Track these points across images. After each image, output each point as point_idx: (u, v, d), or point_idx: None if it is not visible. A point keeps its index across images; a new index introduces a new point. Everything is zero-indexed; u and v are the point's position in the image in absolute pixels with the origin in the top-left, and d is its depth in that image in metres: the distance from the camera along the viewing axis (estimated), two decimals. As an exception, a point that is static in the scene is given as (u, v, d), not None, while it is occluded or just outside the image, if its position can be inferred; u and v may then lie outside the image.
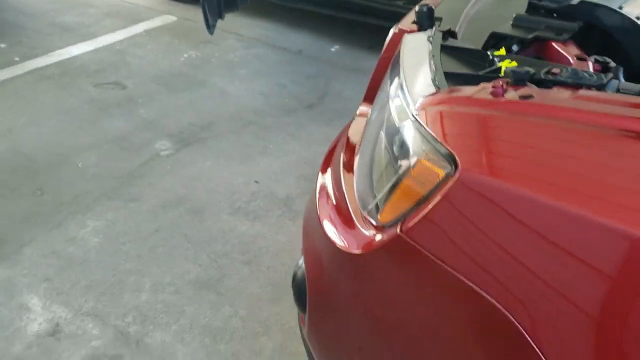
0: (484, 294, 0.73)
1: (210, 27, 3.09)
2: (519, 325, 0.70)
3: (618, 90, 1.17)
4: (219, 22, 3.27)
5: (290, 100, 3.39)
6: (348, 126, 1.38)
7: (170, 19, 4.38)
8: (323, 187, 1.17)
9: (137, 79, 3.50)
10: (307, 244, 1.17)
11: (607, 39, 1.17)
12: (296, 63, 3.85)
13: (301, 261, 1.19)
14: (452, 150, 0.76)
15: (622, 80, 1.21)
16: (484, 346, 0.77)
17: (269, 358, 1.87)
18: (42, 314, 1.97)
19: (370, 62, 4.01)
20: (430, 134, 0.81)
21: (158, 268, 2.17)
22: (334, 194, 1.11)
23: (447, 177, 0.77)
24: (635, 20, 1.08)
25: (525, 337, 0.69)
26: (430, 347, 0.86)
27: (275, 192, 2.60)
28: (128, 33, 4.10)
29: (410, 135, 0.87)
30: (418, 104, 0.87)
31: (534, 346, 0.67)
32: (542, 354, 0.67)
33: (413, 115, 0.86)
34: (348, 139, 1.27)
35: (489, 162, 0.75)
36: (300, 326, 1.32)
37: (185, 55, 3.83)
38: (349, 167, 1.15)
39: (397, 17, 3.61)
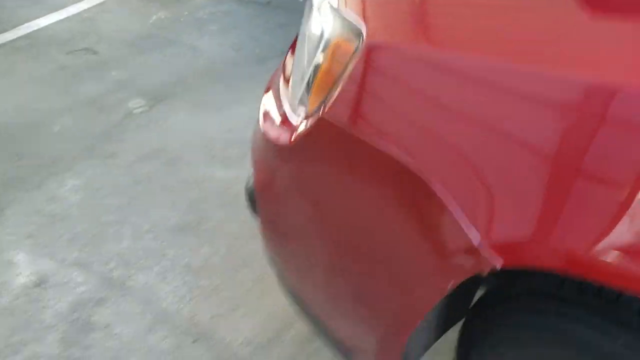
0: (402, 162, 0.76)
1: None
2: (433, 188, 0.73)
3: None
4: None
5: (262, 50, 3.41)
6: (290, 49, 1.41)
7: (138, -18, 4.35)
8: (264, 103, 1.21)
9: (107, 43, 3.50)
10: (254, 154, 1.22)
11: None
12: (266, 15, 3.85)
13: (250, 172, 1.24)
14: (358, 24, 0.80)
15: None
16: (406, 211, 0.81)
17: (250, 288, 1.93)
18: (27, 267, 2.03)
19: (339, 7, 3.96)
20: (342, 15, 0.84)
21: (138, 217, 2.22)
22: (274, 102, 1.15)
23: (356, 50, 0.80)
24: None
25: (436, 196, 0.73)
26: (363, 224, 0.90)
27: (248, 139, 2.63)
28: (96, 0, 4.08)
29: (327, 21, 0.90)
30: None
31: (441, 199, 0.71)
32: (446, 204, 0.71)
33: (329, 3, 0.90)
34: (287, 57, 1.30)
35: (392, 28, 0.78)
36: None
37: (154, 17, 3.82)
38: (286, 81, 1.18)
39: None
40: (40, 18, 3.85)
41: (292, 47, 1.39)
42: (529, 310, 0.77)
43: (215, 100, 2.93)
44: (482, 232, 0.69)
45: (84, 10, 3.94)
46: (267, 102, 1.20)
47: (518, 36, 0.67)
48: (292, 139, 0.95)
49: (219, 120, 2.77)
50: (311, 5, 1.08)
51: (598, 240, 0.60)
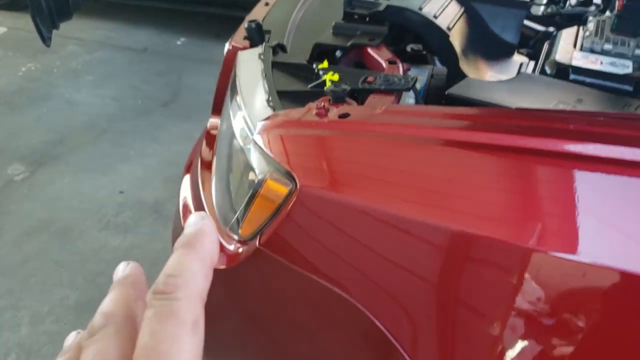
0: (336, 292, 0.84)
1: (46, 40, 2.94)
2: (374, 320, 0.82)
3: (432, 77, 1.34)
4: (55, 31, 3.13)
5: (144, 100, 3.35)
6: (202, 138, 1.45)
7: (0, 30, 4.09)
8: (185, 208, 1.24)
9: (-28, 101, 3.27)
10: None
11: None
12: (144, 61, 3.79)
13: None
14: (290, 170, 0.87)
15: (438, 64, 1.39)
16: (332, 331, 0.90)
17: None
18: None
19: (219, 51, 4.02)
20: (271, 157, 0.91)
21: (34, 299, 2.11)
22: (195, 210, 1.19)
23: (291, 193, 0.87)
24: (432, 19, 1.25)
25: (365, 316, 0.82)
26: (298, 348, 0.97)
27: (142, 200, 2.60)
28: (-48, 51, 3.79)
29: (254, 157, 0.96)
30: (257, 128, 0.97)
31: (369, 314, 0.81)
32: (381, 325, 0.81)
33: (254, 141, 0.96)
34: (202, 153, 1.34)
35: (322, 177, 0.86)
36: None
37: (24, 69, 3.62)
38: (207, 183, 1.22)
39: (239, 5, 3.68)
40: None
41: (208, 139, 1.42)
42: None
43: (101, 160, 2.84)
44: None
45: (-60, 64, 3.65)
46: (188, 203, 1.23)
47: (419, 189, 0.80)
48: (227, 263, 1.00)
49: (108, 182, 2.70)
50: (229, 115, 1.14)
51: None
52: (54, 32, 3.12)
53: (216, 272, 1.00)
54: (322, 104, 0.94)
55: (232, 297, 1.03)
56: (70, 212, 2.52)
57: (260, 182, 0.93)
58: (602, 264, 0.65)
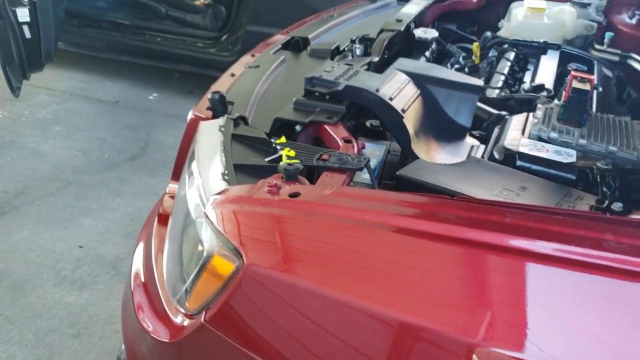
0: None
1: (14, 90, 2.96)
2: None
3: (388, 152, 1.39)
4: (25, 82, 3.14)
5: (111, 154, 3.35)
6: (159, 203, 1.46)
7: (-32, 76, 4.08)
8: (137, 274, 1.23)
9: None
10: (125, 332, 1.23)
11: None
12: (114, 114, 3.80)
13: (123, 347, 1.24)
14: (238, 247, 0.89)
15: (394, 141, 1.44)
16: None
17: None
18: None
19: (190, 108, 4.07)
20: (220, 232, 0.93)
21: (-22, 358, 2.04)
22: (147, 281, 1.18)
23: (237, 270, 0.88)
24: (388, 100, 1.30)
25: None
26: None
27: (102, 255, 2.56)
28: None
29: (205, 231, 0.98)
30: (210, 202, 0.98)
31: None
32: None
33: (205, 214, 0.97)
34: (158, 218, 1.35)
35: (270, 255, 0.88)
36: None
37: (-10, 117, 3.60)
38: (160, 254, 1.22)
39: (210, 64, 3.76)
40: None
41: (159, 202, 1.43)
42: None
43: (63, 213, 2.81)
44: None
45: None
46: (140, 273, 1.23)
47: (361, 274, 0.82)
48: (172, 337, 0.99)
49: (68, 236, 2.66)
50: (186, 185, 1.16)
51: None
52: (24, 81, 3.14)
53: (161, 344, 1.00)
54: (275, 181, 0.96)
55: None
56: (26, 265, 2.46)
57: (208, 257, 0.94)
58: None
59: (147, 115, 3.82)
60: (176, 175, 1.42)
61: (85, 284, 2.40)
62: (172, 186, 1.43)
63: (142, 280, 1.19)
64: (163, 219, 1.35)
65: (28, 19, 2.78)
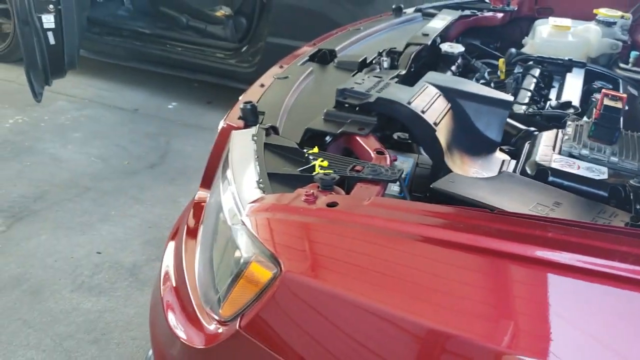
0: None
1: (37, 95, 2.99)
2: None
3: (417, 165, 1.39)
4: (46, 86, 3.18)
5: (130, 161, 3.37)
6: (189, 209, 1.46)
7: (-10, 81, 4.13)
8: (167, 278, 1.24)
9: (-45, 150, 3.26)
10: (155, 337, 1.23)
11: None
12: (134, 122, 3.83)
13: (150, 353, 1.24)
14: (276, 254, 0.89)
15: (423, 153, 1.44)
16: None
17: None
18: None
19: (209, 118, 4.09)
20: (258, 239, 0.93)
21: (-4, 360, 2.05)
22: (178, 286, 1.18)
23: (275, 277, 0.89)
24: (420, 113, 1.30)
25: None
26: None
27: (120, 262, 2.57)
28: (-60, 102, 3.81)
29: (241, 238, 0.98)
30: (246, 210, 0.99)
31: None
32: None
33: (242, 222, 0.98)
34: (188, 226, 1.35)
35: (307, 264, 0.88)
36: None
37: (11, 121, 3.63)
38: (190, 258, 1.23)
39: (230, 75, 3.78)
40: None
41: (195, 210, 1.44)
42: None
43: (81, 218, 2.82)
44: None
45: None
46: (170, 277, 1.23)
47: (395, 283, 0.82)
48: (205, 343, 0.99)
49: (86, 242, 2.67)
50: (219, 193, 1.16)
51: None
52: (46, 87, 3.17)
53: (194, 351, 1.00)
54: (311, 191, 0.97)
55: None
56: (44, 270, 2.47)
57: (245, 264, 0.94)
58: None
59: (166, 124, 3.84)
60: (206, 183, 1.43)
61: (103, 290, 2.40)
62: (202, 193, 1.44)
63: (173, 284, 1.20)
64: (192, 226, 1.35)
65: (53, 26, 2.82)
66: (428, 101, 1.36)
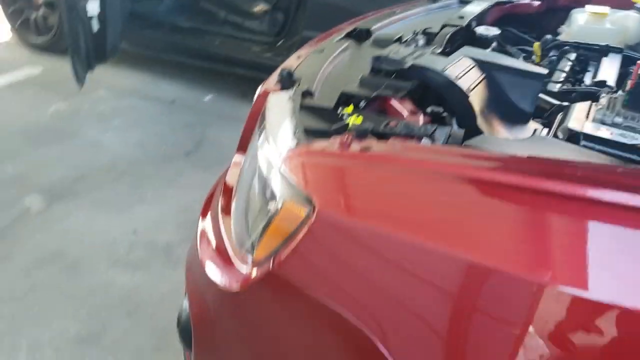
0: (348, 319, 0.85)
1: (79, 79, 3.09)
2: (381, 348, 0.82)
3: (449, 137, 1.40)
4: (89, 74, 3.28)
5: (167, 148, 3.45)
6: (225, 174, 1.51)
7: (35, 71, 4.28)
8: (203, 232, 1.28)
9: (0, 134, 3.38)
10: (190, 286, 1.27)
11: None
12: (171, 112, 3.92)
13: (185, 303, 1.28)
14: (310, 194, 0.91)
15: (455, 127, 1.45)
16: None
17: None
18: None
19: (244, 110, 4.14)
20: (293, 181, 0.96)
21: (35, 327, 2.12)
22: (214, 236, 1.22)
23: (308, 216, 0.91)
24: (453, 80, 1.32)
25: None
26: None
27: (155, 241, 2.64)
28: (-12, 87, 3.96)
29: (276, 182, 1.01)
30: (282, 156, 1.02)
31: (379, 345, 0.82)
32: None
33: (278, 166, 1.01)
34: (225, 185, 1.39)
35: (340, 202, 0.91)
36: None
37: (53, 108, 3.76)
38: (226, 212, 1.26)
39: (266, 68, 3.84)
40: None
41: (225, 173, 1.48)
42: None
43: (119, 200, 2.90)
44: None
45: (-25, 96, 3.80)
46: (207, 230, 1.27)
47: (434, 218, 0.83)
48: (239, 286, 1.02)
49: (123, 221, 2.75)
50: (256, 147, 1.20)
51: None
52: (88, 74, 3.28)
53: (229, 294, 1.03)
54: (346, 137, 0.99)
55: (242, 320, 1.05)
56: (81, 247, 2.55)
57: (279, 206, 0.97)
58: (615, 303, 0.67)
59: (202, 115, 3.92)
60: (242, 147, 1.46)
61: (138, 268, 2.47)
62: (238, 157, 1.48)
63: (209, 235, 1.23)
64: (228, 186, 1.39)
65: (97, 12, 2.91)
66: (462, 70, 1.37)
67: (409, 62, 1.35)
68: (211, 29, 4.13)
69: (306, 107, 1.24)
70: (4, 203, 2.78)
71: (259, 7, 4.16)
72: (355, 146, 0.98)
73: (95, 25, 2.96)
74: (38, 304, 2.22)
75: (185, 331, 1.24)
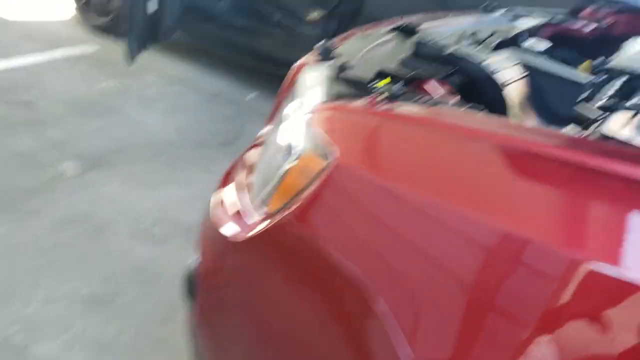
0: (355, 274, 0.84)
1: (132, 54, 3.17)
2: (386, 305, 0.80)
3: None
4: (140, 59, 3.36)
5: (205, 137, 3.50)
6: (246, 150, 1.52)
7: (91, 49, 4.41)
8: (218, 197, 1.28)
9: (49, 101, 3.49)
10: (203, 242, 1.27)
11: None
12: (214, 104, 3.98)
13: (192, 260, 1.28)
14: (331, 144, 0.91)
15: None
16: (347, 324, 0.88)
17: (156, 373, 1.89)
18: None
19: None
20: (314, 131, 0.96)
21: (52, 281, 2.15)
22: (229, 198, 1.23)
23: (327, 167, 0.90)
24: (489, 72, 1.31)
25: (377, 312, 0.80)
26: (313, 330, 0.95)
27: (179, 220, 2.66)
28: (45, 57, 4.09)
29: (300, 134, 1.01)
30: (309, 109, 1.02)
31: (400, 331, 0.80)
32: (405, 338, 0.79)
33: (303, 119, 1.01)
34: (245, 161, 1.40)
35: (361, 155, 0.90)
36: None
37: (103, 84, 3.86)
38: (243, 186, 1.27)
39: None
40: (-17, 63, 3.80)
41: (254, 146, 1.49)
42: None
43: (152, 177, 2.95)
44: (415, 353, 0.77)
45: (33, 65, 3.93)
46: (222, 192, 1.28)
47: (459, 180, 0.81)
48: (248, 236, 1.02)
49: (152, 196, 2.79)
50: (283, 112, 1.20)
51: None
52: (140, 58, 3.36)
53: (238, 244, 1.02)
54: (377, 96, 0.99)
55: (250, 269, 1.04)
56: (108, 214, 2.60)
57: (298, 155, 0.97)
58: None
59: (244, 110, 3.97)
60: (272, 119, 1.48)
61: (159, 241, 2.49)
62: (264, 130, 1.48)
63: (224, 195, 1.24)
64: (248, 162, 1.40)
65: (157, -4, 3.01)
66: (502, 66, 1.36)
67: (449, 50, 1.35)
68: (264, 30, 4.19)
69: (341, 78, 1.24)
70: (43, 164, 2.85)
71: (315, 14, 4.21)
72: (385, 105, 0.97)
73: (153, 6, 3.05)
74: (60, 260, 2.26)
75: (190, 282, 1.24)
